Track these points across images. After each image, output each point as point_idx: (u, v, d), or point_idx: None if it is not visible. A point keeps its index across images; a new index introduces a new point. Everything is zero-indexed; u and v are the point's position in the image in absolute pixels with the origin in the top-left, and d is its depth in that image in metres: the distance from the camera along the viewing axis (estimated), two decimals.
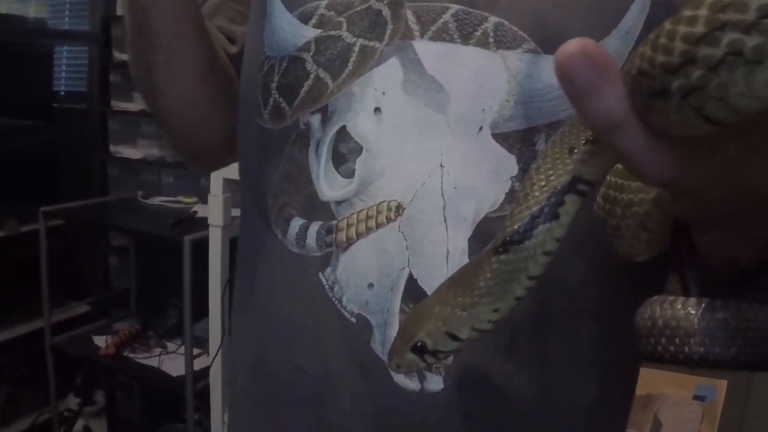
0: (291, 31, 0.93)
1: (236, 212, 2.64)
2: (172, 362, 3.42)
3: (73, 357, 3.71)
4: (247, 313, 1.01)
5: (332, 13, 0.91)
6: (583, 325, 0.89)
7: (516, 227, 0.54)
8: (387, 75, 0.87)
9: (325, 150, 0.89)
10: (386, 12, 0.87)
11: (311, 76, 0.90)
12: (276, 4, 0.95)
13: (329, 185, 0.89)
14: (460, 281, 0.61)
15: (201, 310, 2.97)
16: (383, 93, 0.86)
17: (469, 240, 0.84)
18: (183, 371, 3.18)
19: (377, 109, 0.86)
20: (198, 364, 3.14)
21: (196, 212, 3.53)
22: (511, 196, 0.83)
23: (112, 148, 4.29)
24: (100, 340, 3.62)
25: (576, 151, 0.52)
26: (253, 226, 0.99)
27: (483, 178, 0.83)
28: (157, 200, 3.87)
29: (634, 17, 0.82)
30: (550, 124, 0.83)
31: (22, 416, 3.95)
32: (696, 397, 2.26)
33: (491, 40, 0.83)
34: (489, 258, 0.57)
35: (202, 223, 3.00)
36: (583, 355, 0.90)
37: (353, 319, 0.87)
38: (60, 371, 3.73)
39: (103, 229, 4.25)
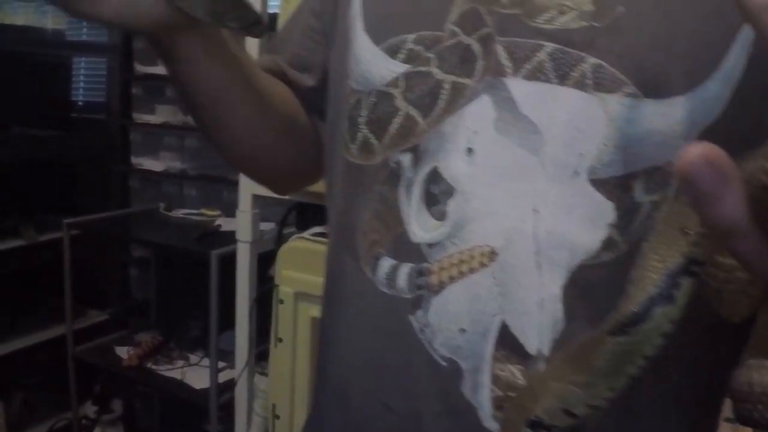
0: (378, 64, 0.90)
1: (264, 226, 2.61)
2: (195, 374, 3.39)
3: (94, 366, 3.67)
4: (334, 346, 0.98)
5: (420, 47, 0.88)
6: (671, 371, 0.85)
7: (633, 310, 0.53)
8: (479, 113, 0.83)
9: (417, 190, 0.86)
10: (476, 47, 0.84)
11: (401, 113, 0.86)
12: (359, 36, 0.92)
13: (421, 227, 0.85)
14: (575, 359, 0.59)
15: (224, 323, 2.94)
16: (475, 132, 0.83)
17: (563, 288, 0.80)
18: (206, 384, 3.16)
19: (469, 150, 0.83)
20: (221, 377, 3.11)
21: (220, 226, 3.50)
22: (607, 244, 0.79)
23: (134, 160, 4.27)
24: (122, 351, 3.58)
25: (689, 233, 0.50)
26: (341, 260, 0.96)
27: (578, 225, 0.79)
28: (179, 213, 3.84)
29: (735, 59, 0.77)
30: (649, 169, 0.79)
31: (38, 422, 3.92)
32: None
33: (589, 81, 0.79)
34: (605, 338, 0.55)
35: (227, 237, 2.97)
36: (670, 400, 0.86)
37: (444, 363, 0.84)
38: (78, 378, 3.70)
39: (125, 241, 4.20)
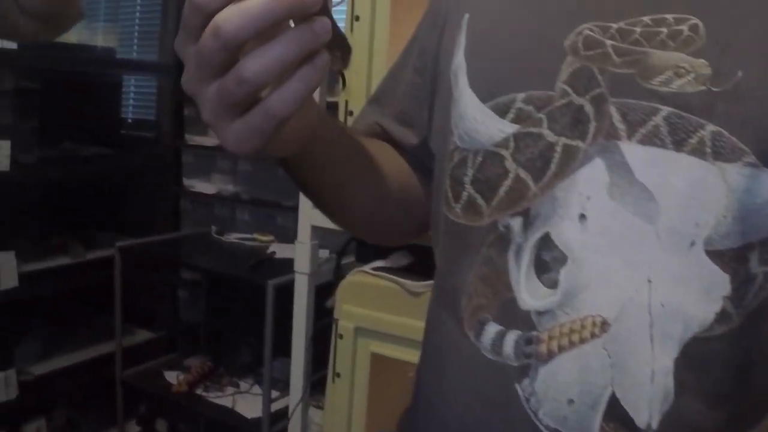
0: (486, 123, 0.89)
1: (323, 253, 2.59)
2: (245, 402, 3.37)
3: (143, 391, 3.67)
4: (433, 407, 0.97)
5: (531, 107, 0.86)
6: None
7: None
8: (592, 178, 0.81)
9: (527, 256, 0.84)
10: (589, 108, 0.82)
11: (510, 175, 0.85)
12: (465, 92, 0.91)
13: (530, 294, 0.83)
14: None
15: (276, 349, 2.94)
16: (588, 198, 0.81)
17: (676, 361, 0.78)
18: (257, 412, 3.14)
19: (582, 216, 0.81)
20: (273, 406, 3.08)
21: (274, 252, 3.48)
22: (721, 316, 0.77)
23: (186, 182, 4.27)
24: (171, 376, 3.57)
25: None
26: (442, 321, 0.95)
27: (693, 297, 0.78)
28: (232, 237, 3.83)
29: None
30: (765, 240, 0.77)
31: None
32: None
33: (708, 150, 0.77)
34: None
35: (282, 265, 2.96)
36: None
37: None
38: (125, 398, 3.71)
39: (176, 265, 4.21)
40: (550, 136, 0.83)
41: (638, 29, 0.83)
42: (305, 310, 2.48)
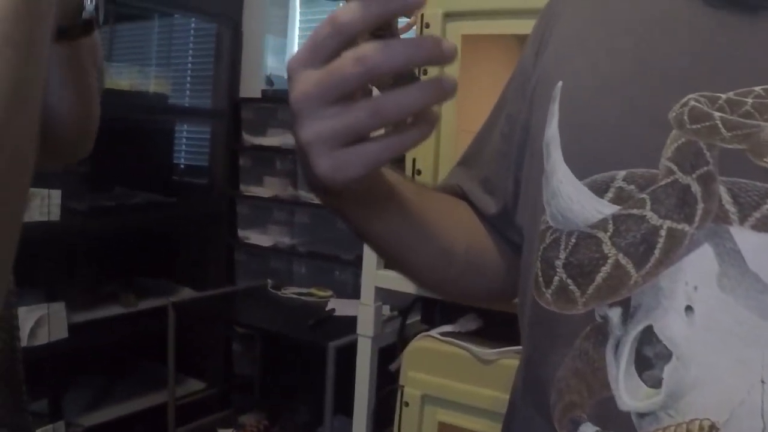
0: (581, 202, 0.83)
1: (384, 309, 2.54)
2: None
3: None
4: None
5: (632, 187, 0.80)
6: None
7: None
8: (699, 266, 0.75)
9: (627, 351, 0.78)
10: (696, 188, 0.76)
11: (609, 261, 0.79)
12: (559, 167, 0.86)
13: (630, 393, 0.77)
14: None
15: (335, 408, 2.92)
16: (695, 288, 0.75)
17: None
18: None
19: (689, 308, 0.75)
20: None
21: (333, 310, 3.44)
22: None
23: (240, 233, 4.26)
24: None
25: None
26: (529, 416, 0.90)
27: None
28: (288, 292, 3.80)
29: None
30: None
31: None
32: None
33: None
34: None
35: (342, 324, 2.92)
36: None
37: None
38: None
39: (230, 321, 4.18)
40: (653, 219, 0.78)
41: (750, 100, 0.77)
42: (368, 373, 2.44)
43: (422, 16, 2.09)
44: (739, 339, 0.73)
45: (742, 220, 0.74)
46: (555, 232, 0.85)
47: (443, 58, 0.66)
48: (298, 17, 4.50)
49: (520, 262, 0.98)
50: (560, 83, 0.92)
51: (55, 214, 3.18)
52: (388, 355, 2.40)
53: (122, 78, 4.14)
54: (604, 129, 0.86)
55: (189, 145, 4.83)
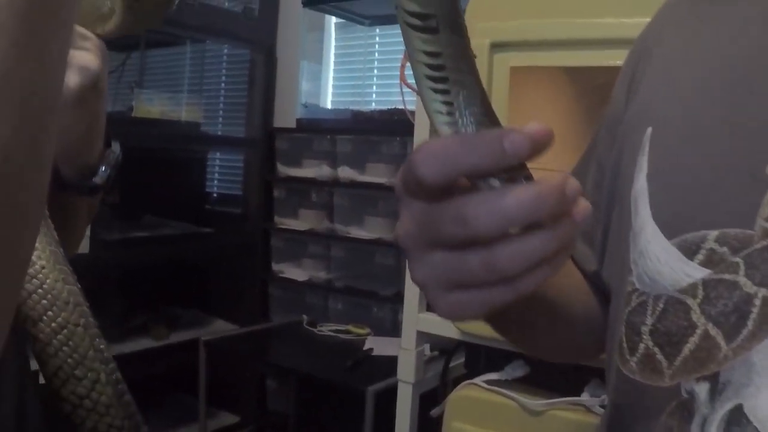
0: (670, 264, 0.77)
1: (427, 349, 2.49)
2: None
3: None
4: None
5: (725, 249, 0.74)
6: None
7: None
8: None
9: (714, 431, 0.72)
10: None
11: (698, 331, 0.73)
12: (648, 225, 0.80)
13: None
14: None
15: None
16: None
17: None
18: None
19: None
20: None
21: (371, 350, 3.39)
22: None
23: (275, 267, 4.22)
24: None
25: None
26: None
27: None
28: (324, 328, 3.75)
29: None
30: None
31: None
32: None
33: None
34: None
35: (381, 365, 2.88)
36: None
37: None
38: None
39: (264, 359, 4.14)
40: (747, 286, 0.71)
41: None
42: (408, 420, 2.38)
43: None
44: None
45: None
46: (642, 295, 0.80)
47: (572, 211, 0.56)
48: (333, 42, 4.47)
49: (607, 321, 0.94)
50: (650, 129, 0.86)
51: (84, 247, 3.16)
52: (429, 399, 2.34)
53: (153, 105, 4.12)
54: (696, 184, 0.80)
55: (222, 174, 4.81)
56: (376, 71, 4.29)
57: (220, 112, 4.79)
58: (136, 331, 3.82)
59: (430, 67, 0.59)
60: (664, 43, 0.94)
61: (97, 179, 1.01)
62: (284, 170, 4.14)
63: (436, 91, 0.59)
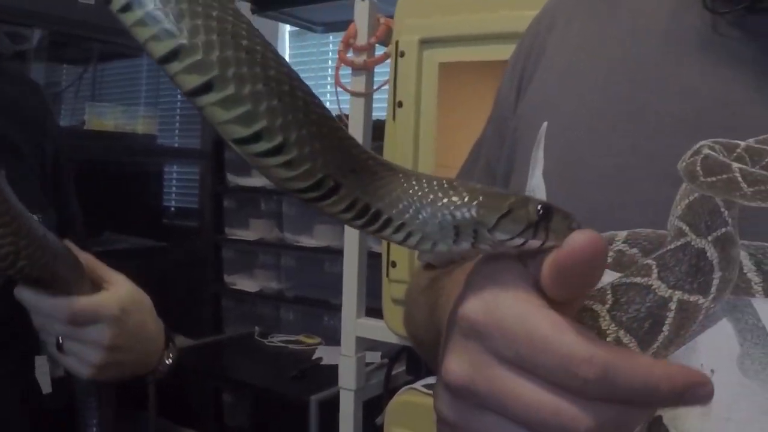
0: None
1: (374, 356, 2.44)
2: None
3: None
4: None
5: (635, 250, 0.69)
6: None
7: None
8: (716, 346, 0.64)
9: None
10: (712, 253, 0.65)
11: (609, 339, 0.67)
12: None
13: None
14: None
15: None
16: (712, 372, 0.63)
17: None
18: None
19: None
20: None
21: (320, 359, 3.36)
22: None
23: (227, 279, 4.16)
24: None
25: None
26: None
27: None
28: (276, 339, 3.72)
29: None
30: None
31: None
32: None
33: None
34: None
35: (329, 374, 2.84)
36: None
37: None
38: None
39: (217, 372, 4.08)
40: (661, 290, 0.66)
41: None
42: (352, 428, 2.34)
43: (397, 43, 2.04)
44: None
45: (767, 291, 0.63)
46: None
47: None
48: (288, 51, 4.42)
49: None
50: (545, 124, 0.80)
51: None
52: (375, 407, 2.30)
53: (106, 118, 4.05)
54: (600, 180, 0.74)
55: (179, 187, 4.75)
56: (329, 78, 4.24)
57: (177, 125, 4.72)
58: None
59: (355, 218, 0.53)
60: (559, 36, 0.88)
61: (159, 374, 1.13)
62: (234, 180, 4.07)
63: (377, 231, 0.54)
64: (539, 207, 0.52)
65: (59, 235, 1.07)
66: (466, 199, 0.53)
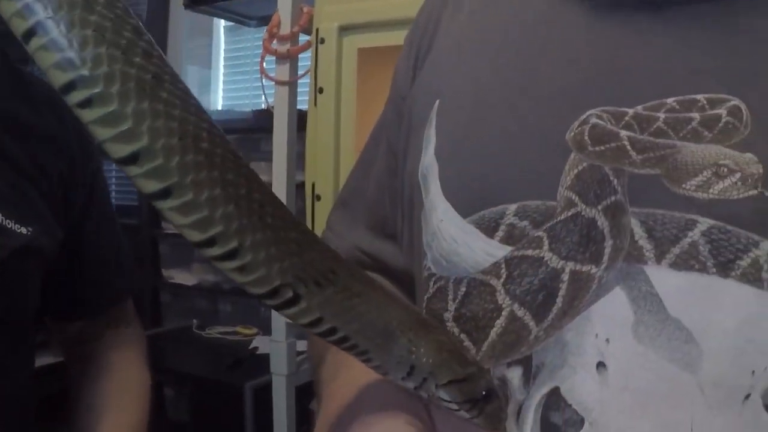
0: (468, 244, 0.70)
1: (302, 347, 2.42)
2: None
3: None
4: None
5: (525, 223, 0.68)
6: None
7: None
8: (610, 315, 0.64)
9: (531, 419, 0.66)
10: (602, 222, 0.64)
11: (504, 313, 0.66)
12: (439, 203, 0.73)
13: None
14: None
15: None
16: (607, 341, 0.63)
17: None
18: None
19: (600, 365, 0.63)
20: None
21: (256, 348, 3.36)
22: None
23: (164, 273, 4.14)
24: None
25: None
26: None
27: None
28: (213, 331, 3.72)
29: None
30: None
31: None
32: None
33: (766, 275, 0.60)
34: None
35: (263, 364, 2.82)
36: None
37: None
38: None
39: (157, 365, 4.03)
40: (553, 261, 0.65)
41: (662, 115, 0.66)
42: (285, 414, 2.33)
43: (317, 30, 2.05)
44: (661, 399, 0.62)
45: (659, 258, 0.63)
46: (439, 280, 0.73)
47: None
48: (222, 46, 4.38)
49: None
50: (437, 102, 0.79)
51: None
52: (308, 393, 2.26)
53: None
54: (489, 155, 0.73)
55: (118, 185, 4.68)
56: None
57: None
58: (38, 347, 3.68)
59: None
60: (450, 14, 0.87)
61: None
62: None
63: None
64: (485, 389, 0.56)
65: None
66: (432, 350, 0.55)
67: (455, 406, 0.55)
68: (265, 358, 2.74)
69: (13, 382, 1.14)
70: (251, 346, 3.42)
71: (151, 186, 0.44)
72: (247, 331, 3.62)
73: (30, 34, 0.39)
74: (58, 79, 0.40)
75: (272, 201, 0.49)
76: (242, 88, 4.39)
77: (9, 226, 1.04)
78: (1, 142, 1.07)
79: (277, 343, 2.31)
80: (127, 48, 0.42)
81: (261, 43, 2.16)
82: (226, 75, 4.41)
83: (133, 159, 0.42)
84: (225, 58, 4.41)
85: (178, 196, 0.44)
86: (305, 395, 2.31)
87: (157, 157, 0.42)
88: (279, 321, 2.29)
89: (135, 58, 0.42)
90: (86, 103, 0.41)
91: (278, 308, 0.51)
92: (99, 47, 0.40)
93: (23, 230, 1.05)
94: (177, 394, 4.01)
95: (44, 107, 1.15)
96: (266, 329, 3.51)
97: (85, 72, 0.40)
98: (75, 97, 0.40)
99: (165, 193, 0.44)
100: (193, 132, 0.44)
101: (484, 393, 0.56)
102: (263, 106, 3.63)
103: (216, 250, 0.47)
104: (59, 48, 0.40)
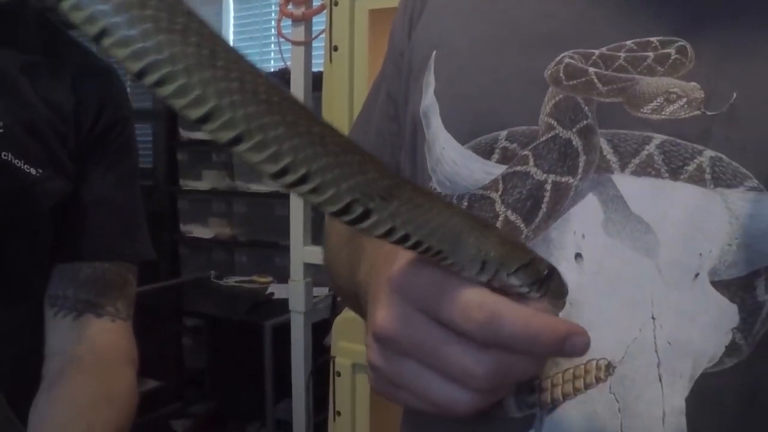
0: (468, 166, 0.81)
1: (319, 291, 2.51)
2: None
3: None
4: None
5: (515, 145, 0.79)
6: None
7: None
8: (585, 215, 0.74)
9: None
10: (576, 141, 0.75)
11: (500, 218, 0.78)
12: (440, 134, 0.84)
13: None
14: None
15: (281, 392, 2.85)
16: (583, 236, 0.74)
17: (687, 399, 0.71)
18: None
19: (578, 255, 0.74)
20: None
21: (272, 294, 3.43)
22: (731, 349, 0.70)
23: (183, 228, 4.20)
24: (177, 425, 3.49)
25: None
26: None
27: (700, 331, 0.71)
28: (231, 281, 3.78)
29: None
30: None
31: None
32: None
33: (707, 176, 0.71)
34: None
35: (280, 306, 2.89)
36: None
37: None
38: None
39: (177, 312, 4.13)
40: (538, 174, 0.77)
41: (622, 54, 0.77)
42: (302, 349, 2.40)
43: None
44: (627, 280, 0.72)
45: (623, 168, 0.74)
46: (445, 196, 0.83)
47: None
48: (232, 14, 4.44)
49: None
50: (435, 52, 0.89)
51: None
52: (323, 330, 2.40)
53: None
54: (482, 92, 0.84)
55: None
56: (272, 38, 4.25)
57: (127, 86, 4.69)
58: None
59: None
60: None
61: None
62: (186, 134, 4.11)
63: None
64: (547, 269, 0.62)
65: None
66: (497, 244, 0.60)
67: (526, 289, 0.61)
68: (281, 302, 2.82)
69: (18, 334, 1.14)
70: (267, 292, 3.47)
71: (225, 136, 0.47)
72: (262, 280, 3.67)
73: (101, 35, 0.43)
74: (133, 67, 0.44)
75: (331, 132, 0.53)
76: (252, 54, 4.41)
77: (19, 166, 1.05)
78: (20, 86, 1.08)
79: (295, 282, 2.38)
80: (183, 31, 0.46)
81: (269, 10, 2.21)
82: (235, 42, 4.42)
83: (207, 118, 0.46)
84: (234, 25, 4.46)
85: (248, 140, 0.48)
86: (321, 333, 2.39)
87: (225, 113, 0.46)
88: (296, 261, 2.36)
89: (191, 38, 0.46)
90: (160, 83, 0.44)
91: (353, 223, 0.54)
92: (159, 35, 0.44)
93: (32, 171, 1.06)
94: (194, 342, 4.11)
95: (74, 67, 1.18)
96: (280, 277, 3.60)
97: (151, 59, 0.44)
98: (150, 80, 0.44)
99: (237, 140, 0.48)
100: (251, 87, 0.48)
101: (546, 272, 0.62)
102: (272, 71, 3.70)
103: (290, 178, 0.50)
104: (126, 44, 0.44)
